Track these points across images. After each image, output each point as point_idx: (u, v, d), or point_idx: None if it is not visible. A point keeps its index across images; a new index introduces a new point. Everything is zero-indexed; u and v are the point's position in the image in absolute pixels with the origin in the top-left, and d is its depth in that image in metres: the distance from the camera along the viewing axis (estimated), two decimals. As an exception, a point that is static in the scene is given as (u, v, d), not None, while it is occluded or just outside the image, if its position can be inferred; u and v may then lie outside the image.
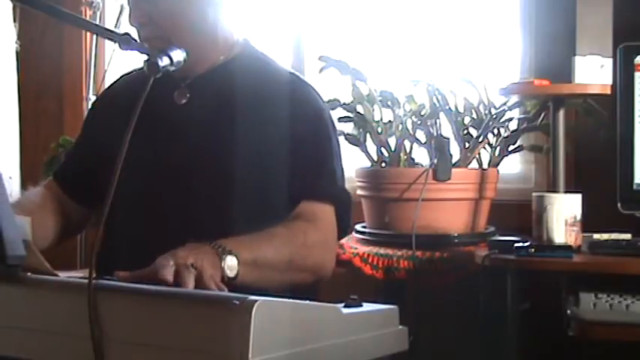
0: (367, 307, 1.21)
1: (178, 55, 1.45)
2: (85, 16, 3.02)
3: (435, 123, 2.38)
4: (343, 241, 2.33)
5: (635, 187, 2.16)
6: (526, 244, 2.01)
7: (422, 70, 2.60)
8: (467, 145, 2.39)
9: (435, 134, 2.37)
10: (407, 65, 2.76)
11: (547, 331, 2.09)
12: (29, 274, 1.14)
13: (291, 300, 1.04)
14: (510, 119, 2.44)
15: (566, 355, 2.20)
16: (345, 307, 1.17)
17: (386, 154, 2.41)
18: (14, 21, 3.04)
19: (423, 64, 2.72)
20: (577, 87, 2.22)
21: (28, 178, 2.57)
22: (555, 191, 2.23)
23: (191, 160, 1.64)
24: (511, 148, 2.46)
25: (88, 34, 3.17)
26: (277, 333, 0.98)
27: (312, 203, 1.63)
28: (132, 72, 1.86)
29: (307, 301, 1.08)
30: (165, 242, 1.38)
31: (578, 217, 2.07)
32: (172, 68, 1.43)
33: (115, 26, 2.88)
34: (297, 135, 1.64)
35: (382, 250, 2.29)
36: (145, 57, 1.42)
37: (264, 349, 0.95)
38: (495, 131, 2.42)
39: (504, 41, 2.75)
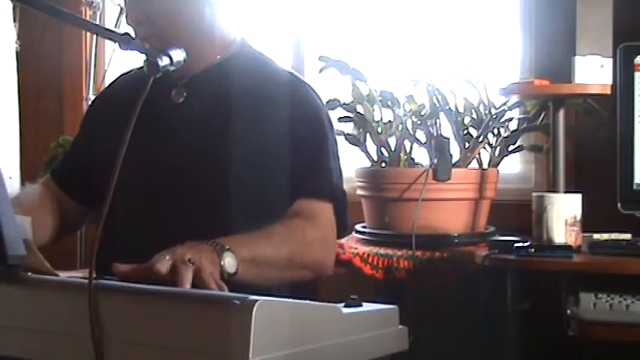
0: (367, 307, 1.21)
1: (178, 54, 1.45)
2: (85, 16, 3.02)
3: (435, 123, 2.38)
4: (343, 241, 2.33)
5: (635, 187, 2.16)
6: (526, 244, 2.01)
7: (422, 70, 2.60)
8: (467, 145, 2.39)
9: (435, 134, 2.37)
10: (407, 65, 2.76)
11: (547, 331, 2.09)
12: (29, 273, 1.14)
13: (291, 300, 1.04)
14: (510, 119, 2.44)
15: (566, 355, 2.20)
16: (345, 307, 1.17)
17: (386, 154, 2.41)
18: (14, 21, 3.04)
19: (423, 64, 2.71)
20: (577, 87, 2.22)
21: (28, 178, 2.56)
22: (555, 191, 2.23)
23: (188, 159, 1.64)
24: (511, 148, 2.46)
25: (88, 34, 3.17)
26: (277, 333, 0.98)
27: (311, 201, 1.63)
28: (130, 71, 1.86)
29: (307, 301, 1.08)
30: (164, 241, 1.38)
31: (578, 217, 2.07)
32: (172, 68, 1.44)
33: (115, 26, 2.88)
34: (294, 134, 1.65)
35: (382, 250, 2.29)
36: (145, 57, 1.42)
37: (265, 349, 0.95)
38: (495, 131, 2.42)
39: (504, 41, 2.75)
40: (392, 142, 2.41)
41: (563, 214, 2.05)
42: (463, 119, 2.40)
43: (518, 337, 2.04)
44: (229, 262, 1.40)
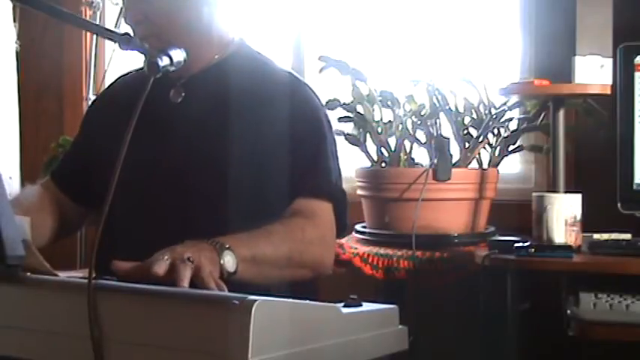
0: (367, 306, 1.21)
1: (178, 54, 1.45)
2: (85, 16, 3.02)
3: (435, 123, 2.38)
4: (343, 241, 2.33)
5: (635, 187, 2.16)
6: (526, 244, 2.01)
7: (422, 70, 2.60)
8: (467, 145, 2.39)
9: (435, 134, 2.37)
10: (407, 65, 2.76)
11: (547, 331, 2.09)
12: (29, 274, 1.14)
13: (290, 300, 1.04)
14: (510, 119, 2.44)
15: (566, 355, 2.20)
16: (344, 306, 1.17)
17: (386, 154, 2.41)
18: (14, 21, 3.04)
19: (423, 64, 2.71)
20: (577, 87, 2.22)
21: (28, 178, 2.56)
22: (555, 191, 2.23)
23: (187, 159, 1.65)
24: (511, 148, 2.45)
25: (88, 34, 3.17)
26: (277, 333, 0.98)
27: (310, 200, 1.63)
28: (129, 73, 1.87)
29: (307, 301, 1.08)
30: (163, 241, 1.38)
31: (578, 217, 2.07)
32: (172, 68, 1.44)
33: (115, 26, 2.88)
34: (293, 133, 1.65)
35: (382, 250, 2.29)
36: (145, 57, 1.42)
37: (264, 349, 0.95)
38: (495, 131, 2.42)
39: (504, 41, 2.75)
40: (392, 142, 2.41)
41: (563, 214, 2.05)
42: (463, 119, 2.40)
43: (518, 337, 2.04)
44: (229, 261, 1.41)
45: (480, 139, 2.39)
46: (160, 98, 1.66)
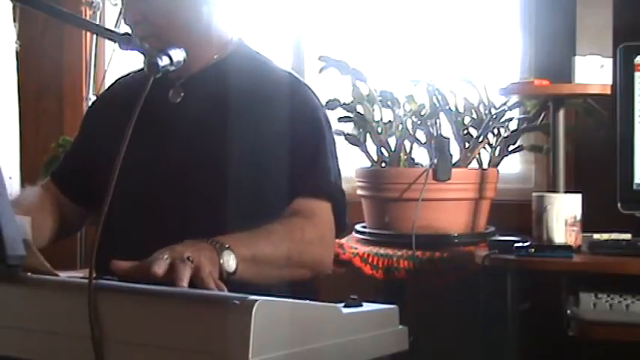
0: (367, 306, 1.20)
1: (178, 54, 1.45)
2: (85, 16, 3.02)
3: (435, 123, 2.38)
4: (343, 241, 2.33)
5: (635, 187, 2.16)
6: (526, 244, 2.01)
7: (422, 70, 2.60)
8: (467, 145, 2.39)
9: (435, 134, 2.37)
10: (407, 65, 2.76)
11: (547, 331, 2.09)
12: (29, 274, 1.14)
13: (291, 300, 1.04)
14: (510, 119, 2.44)
15: (566, 355, 2.20)
16: (345, 307, 1.17)
17: (386, 154, 2.41)
18: (14, 21, 3.04)
19: (423, 64, 2.71)
20: (577, 87, 2.22)
21: (28, 178, 2.56)
22: (555, 191, 2.23)
23: (186, 159, 1.65)
24: (511, 148, 2.46)
25: (88, 34, 3.17)
26: (277, 333, 0.98)
27: (309, 200, 1.63)
28: (129, 74, 1.87)
29: (307, 301, 1.08)
30: (163, 240, 1.38)
31: (578, 217, 2.07)
32: (172, 68, 1.43)
33: (115, 26, 2.88)
34: (292, 133, 1.65)
35: (382, 250, 2.29)
36: (144, 57, 1.42)
37: (264, 349, 0.95)
38: (495, 131, 2.42)
39: (504, 41, 2.75)
40: (392, 142, 2.41)
41: (563, 214, 2.05)
42: (463, 119, 2.40)
43: (518, 337, 2.04)
44: (229, 261, 1.41)
45: (480, 139, 2.39)
46: (159, 98, 1.66)
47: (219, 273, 1.38)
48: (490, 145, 2.43)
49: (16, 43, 3.03)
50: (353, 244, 2.36)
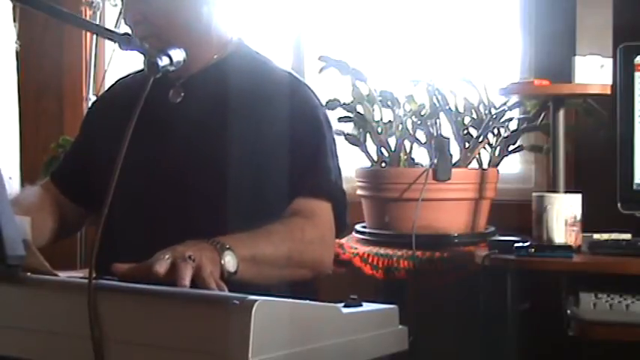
0: (367, 306, 1.21)
1: (178, 54, 1.45)
2: (85, 16, 3.02)
3: (435, 123, 2.38)
4: (343, 241, 2.33)
5: (635, 187, 2.16)
6: (526, 244, 2.01)
7: (422, 70, 2.60)
8: (467, 145, 2.39)
9: (435, 134, 2.37)
10: (407, 65, 2.76)
11: (547, 331, 2.09)
12: (29, 274, 1.14)
13: (290, 300, 1.04)
14: (510, 119, 2.44)
15: (566, 355, 2.20)
16: (345, 306, 1.17)
17: (386, 154, 2.41)
18: (14, 21, 3.04)
19: (423, 64, 2.71)
20: (577, 87, 2.22)
21: (28, 178, 2.56)
22: (555, 191, 2.23)
23: (187, 159, 1.65)
24: (511, 148, 2.46)
25: (88, 34, 3.17)
26: (277, 333, 0.98)
27: (309, 200, 1.63)
28: (129, 75, 1.87)
29: (307, 301, 1.08)
30: (163, 241, 1.38)
31: (578, 217, 2.07)
32: (172, 68, 1.43)
33: (115, 26, 2.88)
34: (292, 133, 1.65)
35: (382, 250, 2.29)
36: (144, 57, 1.42)
37: (264, 349, 0.95)
38: (495, 131, 2.42)
39: (504, 41, 2.75)
40: (392, 142, 2.41)
41: (563, 214, 2.05)
42: (463, 119, 2.40)
43: (518, 337, 2.04)
44: (229, 261, 1.41)
45: (480, 139, 2.39)
46: (159, 98, 1.66)
47: (220, 273, 1.38)
48: (490, 145, 2.43)
49: (16, 43, 3.03)
50: (353, 244, 2.37)
